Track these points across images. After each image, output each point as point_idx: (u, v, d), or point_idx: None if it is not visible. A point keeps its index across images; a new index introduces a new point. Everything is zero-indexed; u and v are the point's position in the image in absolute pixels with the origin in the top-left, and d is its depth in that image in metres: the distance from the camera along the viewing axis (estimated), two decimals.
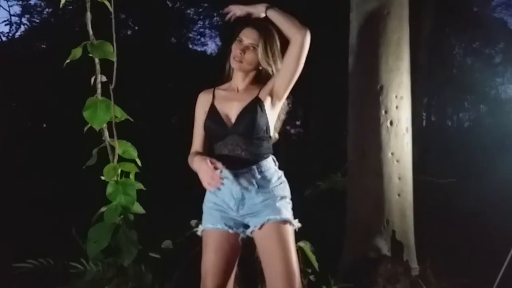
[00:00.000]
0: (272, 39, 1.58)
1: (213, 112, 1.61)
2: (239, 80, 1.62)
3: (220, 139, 1.58)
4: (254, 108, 1.55)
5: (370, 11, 2.56)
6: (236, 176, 1.56)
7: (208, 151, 1.66)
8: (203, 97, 1.67)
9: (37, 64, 7.51)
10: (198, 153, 1.64)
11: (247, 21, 1.60)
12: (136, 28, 10.24)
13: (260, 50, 1.55)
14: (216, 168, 1.46)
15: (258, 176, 1.56)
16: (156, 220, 2.14)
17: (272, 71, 1.59)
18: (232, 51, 1.58)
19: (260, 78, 1.62)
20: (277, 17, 1.52)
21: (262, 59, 1.56)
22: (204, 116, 1.63)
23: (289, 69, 1.53)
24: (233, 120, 1.57)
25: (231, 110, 1.58)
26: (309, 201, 3.34)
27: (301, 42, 1.49)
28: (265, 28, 1.57)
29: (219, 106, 1.61)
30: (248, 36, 1.56)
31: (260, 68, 1.59)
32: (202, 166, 1.48)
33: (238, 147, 1.56)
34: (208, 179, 1.46)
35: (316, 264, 2.09)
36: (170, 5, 10.48)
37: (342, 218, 2.79)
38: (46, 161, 5.99)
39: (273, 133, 1.64)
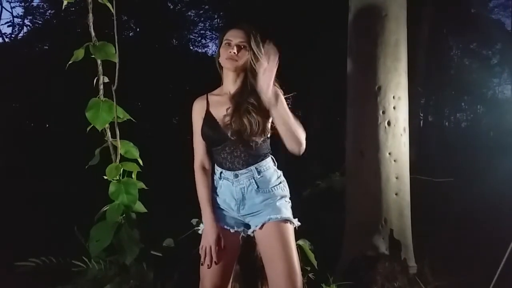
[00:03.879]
0: (258, 37, 1.59)
1: (209, 118, 1.61)
2: (230, 84, 1.62)
3: (218, 144, 1.59)
4: (243, 113, 1.53)
5: (368, 12, 2.58)
6: (236, 176, 1.58)
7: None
8: (198, 104, 1.66)
9: (39, 65, 7.51)
10: (204, 169, 1.64)
11: (229, 24, 1.62)
12: (138, 29, 10.25)
13: (253, 47, 1.55)
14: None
15: (258, 176, 1.58)
16: (158, 219, 2.16)
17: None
18: (222, 53, 1.57)
19: (248, 79, 1.60)
20: (277, 118, 1.46)
21: (255, 56, 1.56)
22: (201, 123, 1.63)
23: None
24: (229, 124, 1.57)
25: (226, 115, 1.58)
26: (308, 200, 3.38)
27: (292, 151, 1.49)
28: (249, 28, 1.59)
29: (214, 111, 1.61)
30: (235, 36, 1.56)
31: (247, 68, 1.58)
32: (208, 238, 1.56)
33: (237, 150, 1.57)
34: (207, 253, 1.54)
35: (315, 262, 2.10)
36: (171, 7, 10.50)
37: (340, 217, 2.82)
38: (49, 161, 5.99)
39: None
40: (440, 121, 13.07)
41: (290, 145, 1.49)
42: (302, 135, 1.49)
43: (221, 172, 1.62)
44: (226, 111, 1.57)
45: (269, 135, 1.61)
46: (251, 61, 1.56)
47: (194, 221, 2.02)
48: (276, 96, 1.45)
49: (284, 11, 6.98)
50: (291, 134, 1.48)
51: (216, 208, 1.64)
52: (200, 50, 11.83)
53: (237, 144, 1.56)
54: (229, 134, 1.55)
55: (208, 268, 1.55)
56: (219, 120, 1.59)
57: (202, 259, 1.56)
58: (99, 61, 1.90)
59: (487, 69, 12.81)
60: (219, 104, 1.62)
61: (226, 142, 1.58)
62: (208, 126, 1.60)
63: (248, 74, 1.59)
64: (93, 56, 1.86)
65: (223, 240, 1.58)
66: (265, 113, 1.54)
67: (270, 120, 1.59)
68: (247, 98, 1.55)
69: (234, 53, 1.55)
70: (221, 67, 1.63)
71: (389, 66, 2.58)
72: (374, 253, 2.55)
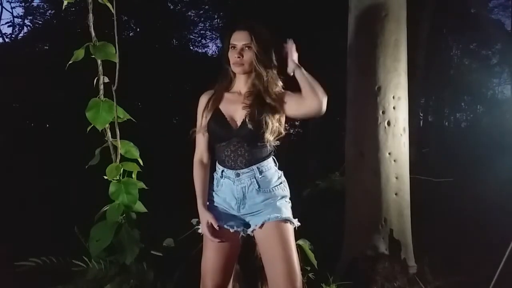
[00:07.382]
0: (263, 37, 1.58)
1: (217, 113, 1.62)
2: (241, 83, 1.64)
3: (224, 141, 1.60)
4: (259, 113, 1.55)
5: (368, 12, 2.59)
6: (238, 176, 1.59)
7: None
8: (204, 99, 1.67)
9: (40, 65, 7.51)
10: (202, 163, 1.67)
11: (234, 25, 1.61)
12: (138, 29, 10.26)
13: (254, 47, 1.55)
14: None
15: (259, 176, 1.59)
16: (158, 219, 2.17)
17: (268, 72, 1.58)
18: (230, 58, 1.59)
19: (260, 79, 1.60)
20: (301, 77, 1.52)
21: (257, 59, 1.56)
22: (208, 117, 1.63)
23: (296, 114, 1.61)
24: (238, 123, 1.58)
25: (236, 113, 1.60)
26: (308, 200, 3.38)
27: (314, 109, 1.51)
28: (251, 28, 1.58)
29: (223, 108, 1.62)
30: (239, 39, 1.57)
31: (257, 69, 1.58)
32: (203, 222, 1.61)
33: (241, 148, 1.58)
34: (209, 236, 1.58)
35: (315, 262, 2.12)
36: (171, 7, 10.50)
37: (340, 217, 2.82)
38: (50, 161, 6.00)
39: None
40: (440, 121, 13.07)
41: (310, 103, 1.50)
42: (323, 96, 1.49)
43: (222, 171, 1.63)
44: (242, 108, 1.58)
45: (282, 135, 1.60)
46: (254, 61, 1.57)
47: (194, 221, 2.02)
48: (296, 66, 1.53)
49: (284, 11, 6.98)
50: (313, 92, 1.48)
51: (216, 207, 1.64)
52: (200, 50, 11.83)
53: (243, 143, 1.57)
54: (244, 132, 1.56)
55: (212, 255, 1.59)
56: (227, 117, 1.60)
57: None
58: (99, 61, 1.91)
59: (487, 69, 12.81)
60: (229, 101, 1.63)
61: (231, 139, 1.59)
62: (216, 121, 1.61)
63: (253, 74, 1.60)
64: (93, 56, 1.86)
65: (223, 240, 1.58)
66: (280, 113, 1.57)
67: (284, 121, 1.61)
68: (261, 98, 1.57)
69: (239, 57, 1.56)
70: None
71: (389, 66, 2.59)
72: (374, 253, 2.55)
